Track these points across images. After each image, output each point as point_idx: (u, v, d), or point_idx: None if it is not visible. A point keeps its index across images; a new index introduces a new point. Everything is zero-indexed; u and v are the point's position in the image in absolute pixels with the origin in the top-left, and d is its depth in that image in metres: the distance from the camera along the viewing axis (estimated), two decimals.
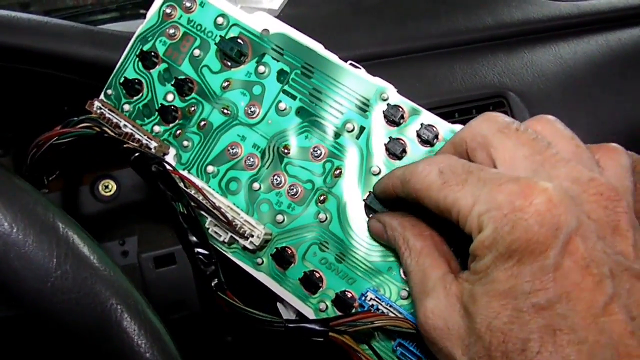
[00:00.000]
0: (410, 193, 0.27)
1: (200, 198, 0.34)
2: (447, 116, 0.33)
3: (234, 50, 0.35)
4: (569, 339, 0.20)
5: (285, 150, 0.35)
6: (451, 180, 0.24)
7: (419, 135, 0.32)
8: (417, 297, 0.27)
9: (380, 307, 0.31)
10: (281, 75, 0.35)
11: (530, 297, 0.21)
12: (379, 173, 0.33)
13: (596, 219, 0.22)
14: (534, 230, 0.21)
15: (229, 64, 0.36)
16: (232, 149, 0.35)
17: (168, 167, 0.33)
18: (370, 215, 0.32)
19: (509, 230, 0.21)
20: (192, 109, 0.36)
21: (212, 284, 0.30)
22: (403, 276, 0.32)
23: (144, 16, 0.38)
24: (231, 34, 0.36)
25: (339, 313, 0.32)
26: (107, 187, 0.61)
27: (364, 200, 0.33)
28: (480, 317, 0.22)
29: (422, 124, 0.32)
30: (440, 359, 0.25)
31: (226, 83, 0.36)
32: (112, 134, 0.35)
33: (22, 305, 0.23)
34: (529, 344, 0.21)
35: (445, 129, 0.32)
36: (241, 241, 0.34)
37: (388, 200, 0.31)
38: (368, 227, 0.32)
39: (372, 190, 0.32)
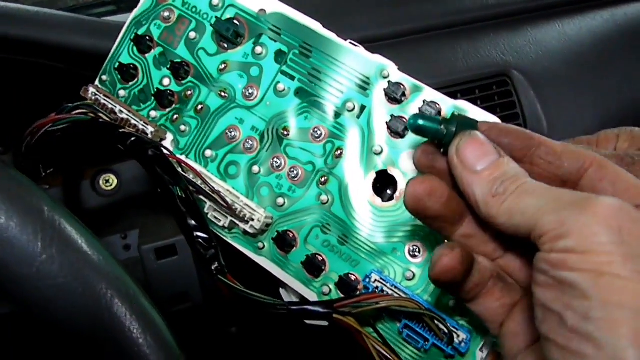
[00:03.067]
0: None
1: (199, 182, 0.33)
2: (450, 96, 0.32)
3: (230, 31, 0.35)
4: None
5: (285, 132, 0.34)
6: None
7: (421, 112, 0.31)
8: None
9: (385, 288, 0.30)
10: (279, 56, 0.34)
11: None
12: (380, 152, 0.32)
13: None
14: None
15: (226, 45, 0.35)
16: (231, 133, 0.35)
17: (165, 151, 0.32)
18: None
19: None
20: (189, 92, 0.36)
21: (213, 268, 0.29)
22: (408, 256, 0.31)
23: None
24: (227, 15, 0.35)
25: (342, 296, 0.32)
26: (107, 181, 0.60)
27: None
28: None
29: (424, 101, 0.31)
30: None
31: (223, 65, 0.35)
32: (108, 119, 0.35)
33: (6, 291, 0.22)
34: None
35: (447, 105, 0.31)
36: (241, 225, 0.33)
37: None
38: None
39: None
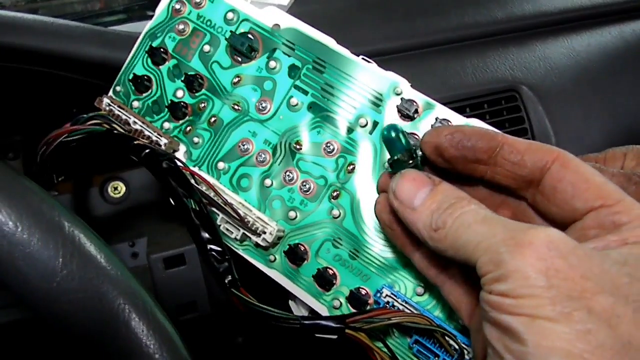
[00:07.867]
0: None
1: (212, 195, 0.33)
2: (459, 111, 0.32)
3: (245, 45, 0.35)
4: None
5: (297, 146, 0.34)
6: None
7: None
8: None
9: (395, 303, 0.31)
10: (292, 71, 0.35)
11: None
12: None
13: None
14: None
15: (240, 59, 0.36)
16: (243, 145, 0.35)
17: (179, 163, 0.33)
18: None
19: None
20: (202, 105, 0.36)
21: (226, 281, 0.29)
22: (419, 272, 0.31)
23: (151, 17, 0.38)
24: (241, 29, 0.36)
25: (353, 310, 0.32)
26: (116, 188, 0.60)
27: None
28: None
29: (436, 118, 0.32)
30: None
31: (237, 79, 0.36)
32: (122, 130, 0.35)
33: (27, 306, 0.23)
34: None
35: (460, 122, 0.31)
36: (253, 238, 0.33)
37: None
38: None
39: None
